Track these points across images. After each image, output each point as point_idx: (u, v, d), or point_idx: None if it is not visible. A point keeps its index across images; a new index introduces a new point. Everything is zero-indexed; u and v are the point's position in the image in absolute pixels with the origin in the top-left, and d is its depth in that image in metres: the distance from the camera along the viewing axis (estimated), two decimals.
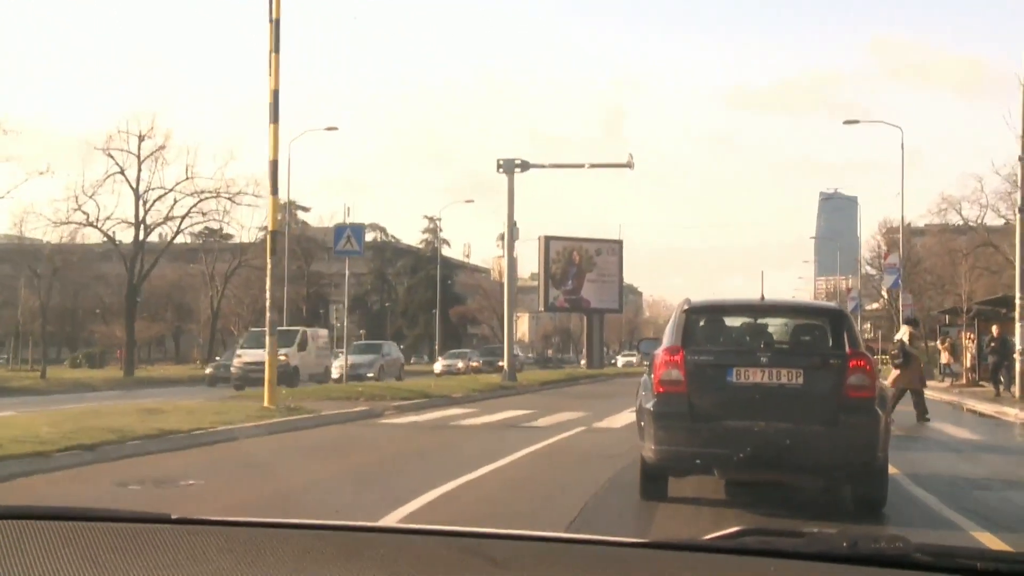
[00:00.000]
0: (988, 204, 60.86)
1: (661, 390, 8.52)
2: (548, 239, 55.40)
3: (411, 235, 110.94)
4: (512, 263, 33.55)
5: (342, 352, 40.51)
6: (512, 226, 32.96)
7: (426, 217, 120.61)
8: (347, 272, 29.01)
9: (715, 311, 9.86)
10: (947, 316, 51.13)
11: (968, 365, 38.15)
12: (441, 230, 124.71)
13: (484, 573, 1.68)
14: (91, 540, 1.77)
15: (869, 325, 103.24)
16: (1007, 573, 1.60)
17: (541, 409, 22.04)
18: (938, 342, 46.51)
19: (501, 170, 32.85)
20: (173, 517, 1.94)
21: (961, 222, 63.09)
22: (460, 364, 51.64)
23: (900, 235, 50.53)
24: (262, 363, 29.76)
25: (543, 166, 32.89)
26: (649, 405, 8.60)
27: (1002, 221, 60.76)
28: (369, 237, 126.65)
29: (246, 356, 35.42)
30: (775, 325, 10.81)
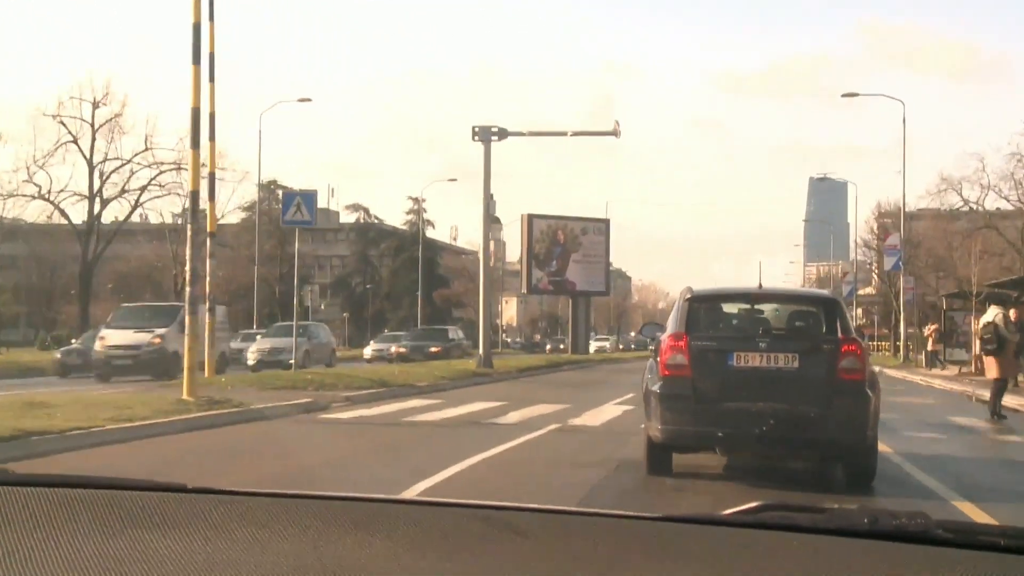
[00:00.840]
0: (990, 185, 58.50)
1: (667, 373, 9.06)
2: (531, 217, 52.72)
3: (396, 216, 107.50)
4: (488, 238, 30.98)
5: (261, 335, 37.74)
6: (489, 199, 30.36)
7: (410, 198, 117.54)
8: (296, 246, 25.95)
9: (716, 299, 10.53)
10: (947, 300, 49.00)
11: (977, 352, 35.66)
12: (425, 211, 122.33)
13: (506, 543, 1.66)
14: (105, 508, 1.74)
15: (860, 311, 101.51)
16: None
17: (514, 401, 19.57)
18: (927, 328, 44.15)
19: (477, 138, 30.25)
20: (190, 487, 1.90)
21: (962, 203, 60.74)
22: (393, 349, 46.99)
23: (901, 214, 47.99)
24: (132, 347, 26.73)
25: (522, 134, 30.26)
26: (655, 387, 9.16)
27: (1003, 203, 58.31)
28: (352, 218, 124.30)
29: (111, 338, 28.18)
30: (771, 312, 11.18)
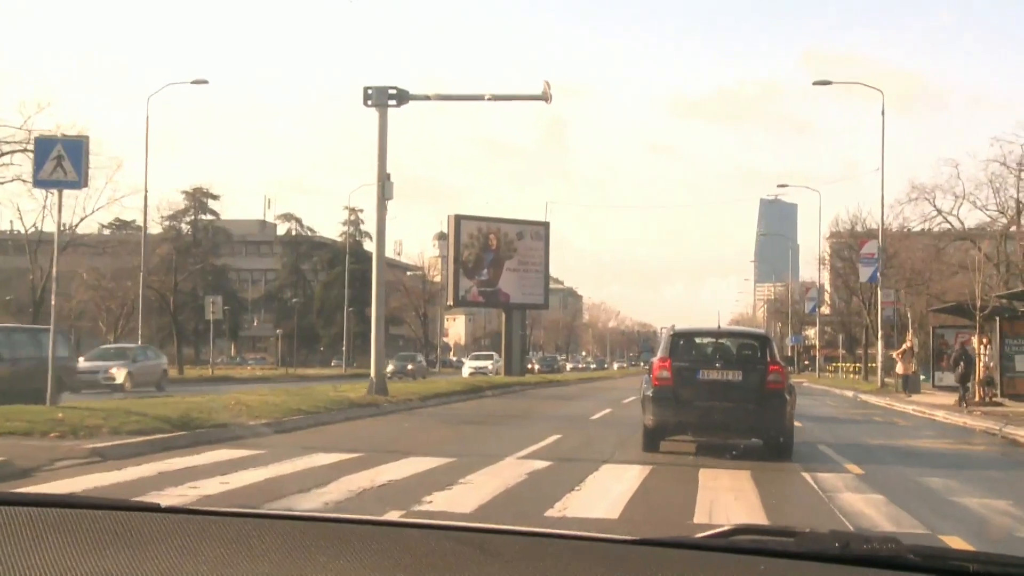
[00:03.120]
0: (965, 194, 52.98)
1: (656, 383, 13.96)
2: (459, 218, 46.00)
3: (334, 229, 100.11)
4: (382, 228, 24.39)
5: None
6: (384, 180, 23.82)
7: (347, 208, 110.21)
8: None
9: (689, 334, 15.20)
10: (934, 316, 43.39)
11: (980, 377, 29.69)
12: (363, 222, 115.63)
13: (476, 563, 1.66)
14: (77, 528, 1.73)
15: (812, 332, 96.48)
16: None
17: (375, 451, 13.30)
18: (904, 345, 38.28)
19: (370, 103, 23.77)
20: (163, 506, 1.90)
21: (935, 213, 55.19)
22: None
23: (880, 217, 42.12)
24: None
25: (427, 97, 23.77)
26: (649, 392, 14.04)
27: (979, 214, 52.70)
28: (283, 229, 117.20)
29: None
30: (726, 341, 15.67)
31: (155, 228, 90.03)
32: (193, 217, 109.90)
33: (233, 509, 1.90)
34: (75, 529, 1.73)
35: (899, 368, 36.83)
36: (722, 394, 13.72)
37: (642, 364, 63.16)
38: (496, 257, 46.23)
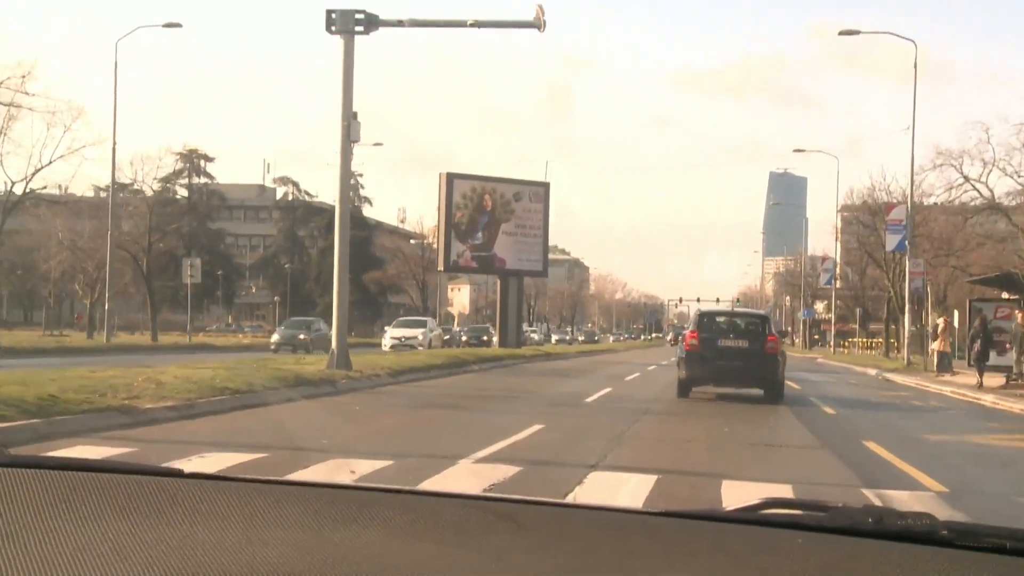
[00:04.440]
0: (995, 160, 49.35)
1: (688, 348, 19.08)
2: (451, 176, 42.24)
3: (332, 193, 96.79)
4: (347, 172, 21.00)
5: None
6: (350, 118, 20.40)
7: None
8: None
9: (712, 314, 21.84)
10: (973, 287, 40.06)
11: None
12: (363, 187, 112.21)
13: (506, 535, 1.64)
14: (103, 491, 1.73)
15: (822, 306, 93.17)
16: None
17: (295, 447, 10.39)
18: (939, 321, 34.87)
19: (334, 29, 20.33)
20: (186, 472, 1.91)
21: (962, 180, 51.58)
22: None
23: (910, 180, 38.54)
24: None
25: (400, 23, 20.26)
26: (683, 355, 19.18)
27: (1009, 181, 48.92)
28: (280, 193, 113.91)
29: None
30: (737, 319, 21.67)
31: (148, 190, 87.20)
32: (187, 180, 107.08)
33: (259, 476, 1.87)
34: (99, 493, 1.72)
35: (936, 344, 33.43)
36: (734, 356, 19.16)
37: (670, 342, 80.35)
38: (491, 219, 42.61)
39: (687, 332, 20.06)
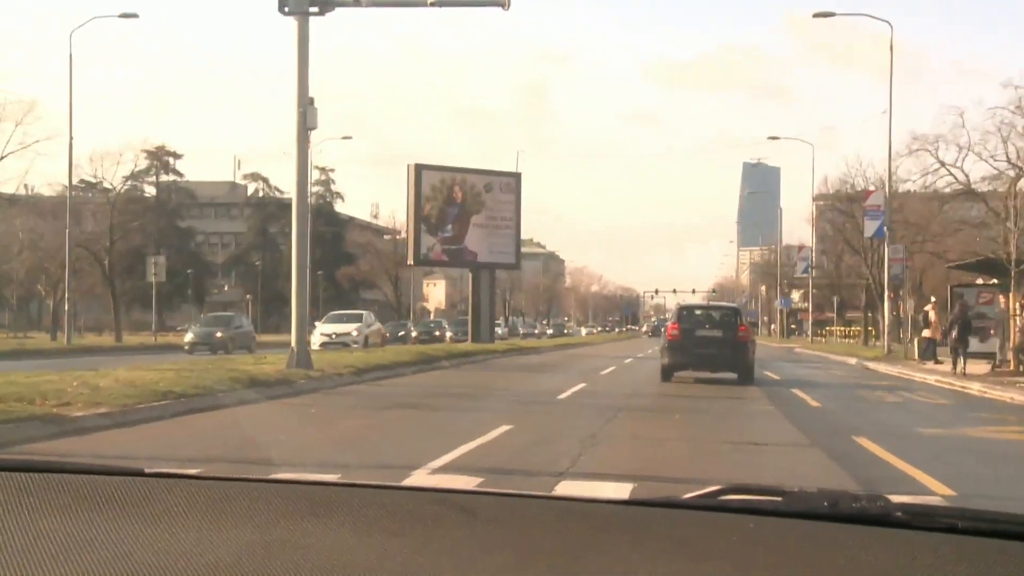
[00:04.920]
0: (970, 144, 48.72)
1: (670, 338, 21.75)
2: (419, 168, 41.06)
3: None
4: (304, 162, 19.89)
5: None
6: (306, 105, 19.35)
7: (317, 168, 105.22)
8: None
9: (690, 307, 25.17)
10: (951, 273, 39.32)
11: (1016, 343, 25.58)
12: (334, 182, 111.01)
13: (463, 526, 1.64)
14: (60, 491, 1.72)
15: (798, 295, 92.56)
16: (987, 532, 1.59)
17: (229, 459, 9.24)
18: (930, 308, 34.14)
19: (287, 9, 19.26)
20: (147, 471, 1.89)
21: (937, 166, 50.96)
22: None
23: (888, 165, 37.82)
24: None
25: (356, 3, 19.17)
26: (666, 344, 22.00)
27: (984, 166, 48.25)
28: (251, 190, 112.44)
29: None
30: (712, 311, 24.66)
31: (112, 188, 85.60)
32: (155, 177, 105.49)
33: (216, 474, 1.86)
34: (58, 492, 1.71)
35: (928, 332, 32.66)
36: (710, 344, 21.61)
37: (648, 333, 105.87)
38: (461, 211, 41.52)
39: (669, 324, 23.64)
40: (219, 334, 39.74)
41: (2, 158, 39.72)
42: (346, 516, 1.65)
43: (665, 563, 1.51)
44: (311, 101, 19.42)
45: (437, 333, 56.12)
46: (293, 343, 19.51)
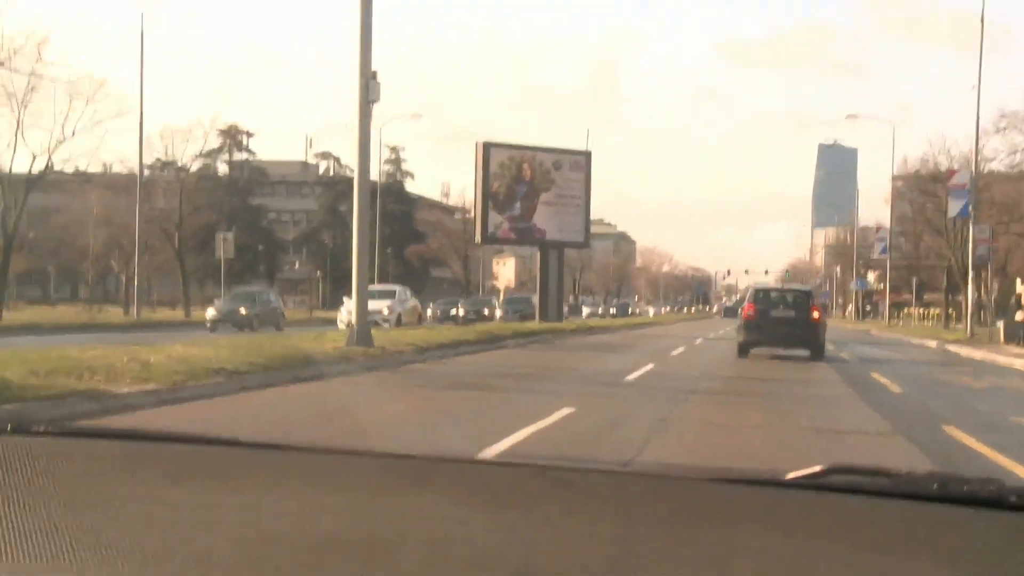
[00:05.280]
0: None
1: (746, 317, 23.74)
2: (488, 146, 40.39)
3: (375, 167, 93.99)
4: (366, 136, 19.35)
5: None
6: (369, 78, 18.81)
7: (388, 147, 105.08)
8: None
9: (765, 290, 26.39)
10: None
11: None
12: (405, 160, 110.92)
13: (561, 500, 1.62)
14: (159, 462, 1.74)
15: (874, 276, 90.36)
16: None
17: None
18: None
19: None
20: (244, 440, 1.92)
21: None
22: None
23: (975, 143, 36.31)
24: None
25: None
26: (742, 323, 23.97)
27: None
28: (322, 168, 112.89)
29: None
30: (786, 293, 25.60)
31: (183, 165, 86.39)
32: (228, 156, 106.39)
33: (315, 444, 1.86)
34: (155, 462, 1.73)
35: (1021, 315, 31.45)
36: (784, 324, 23.49)
37: (721, 314, 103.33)
38: (530, 189, 40.79)
39: (745, 305, 25.29)
40: (243, 310, 37.39)
41: (73, 135, 39.64)
42: (446, 489, 1.64)
43: (771, 542, 1.46)
44: (374, 74, 18.87)
45: (486, 312, 53.27)
46: (353, 320, 19.05)
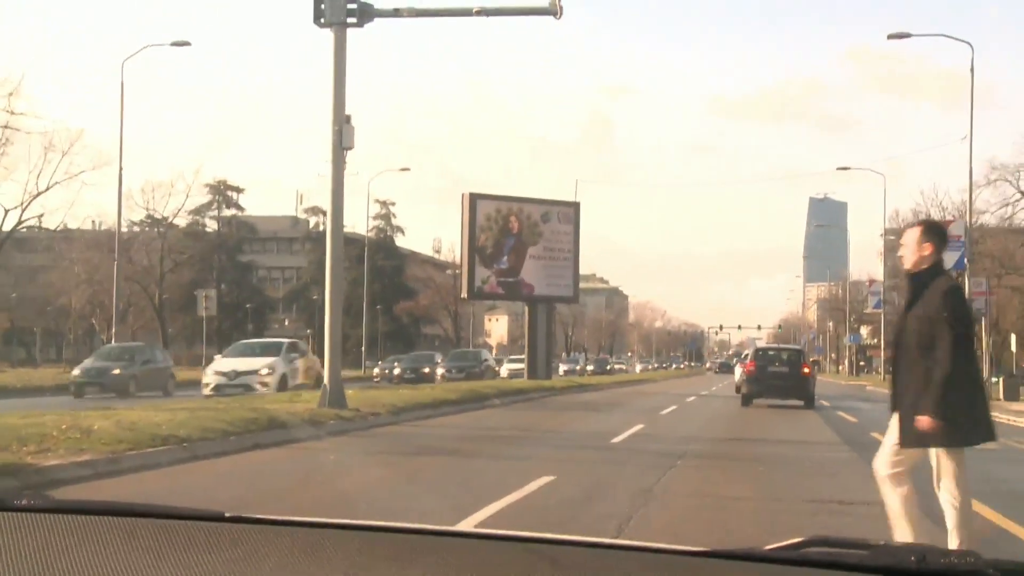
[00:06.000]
0: None
1: (748, 373, 28.75)
2: (474, 197, 39.62)
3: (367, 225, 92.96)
4: (339, 184, 18.48)
5: None
6: (343, 123, 18.01)
7: (378, 201, 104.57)
8: None
9: (764, 349, 33.59)
10: None
11: None
12: (395, 216, 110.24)
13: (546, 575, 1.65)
14: (144, 536, 1.73)
15: (867, 331, 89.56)
16: None
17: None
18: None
19: (323, 20, 17.95)
20: (227, 515, 1.88)
21: (1018, 196, 48.55)
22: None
23: (969, 194, 35.63)
24: None
25: (396, 13, 17.84)
26: (745, 377, 29.19)
27: None
28: (312, 223, 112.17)
29: None
30: (782, 352, 30.67)
31: (180, 222, 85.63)
32: (217, 212, 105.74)
33: (298, 519, 1.84)
34: (140, 537, 1.72)
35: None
36: (779, 377, 27.88)
37: (714, 370, 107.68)
38: (518, 242, 39.98)
39: (747, 360, 31.60)
40: (117, 371, 30.40)
41: (48, 188, 38.85)
42: (430, 564, 1.61)
43: None
44: (348, 118, 18.07)
45: (426, 370, 45.18)
46: (326, 380, 18.05)
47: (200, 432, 12.51)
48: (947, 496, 6.08)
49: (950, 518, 6.09)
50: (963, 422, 5.97)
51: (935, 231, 6.45)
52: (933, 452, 6.16)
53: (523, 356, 67.09)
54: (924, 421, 5.96)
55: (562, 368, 76.70)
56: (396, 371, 47.58)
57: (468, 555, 1.69)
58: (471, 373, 43.00)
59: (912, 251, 6.25)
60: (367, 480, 10.62)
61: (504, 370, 55.25)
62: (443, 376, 43.25)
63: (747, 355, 39.08)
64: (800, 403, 27.20)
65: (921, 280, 6.27)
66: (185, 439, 12.00)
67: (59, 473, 9.52)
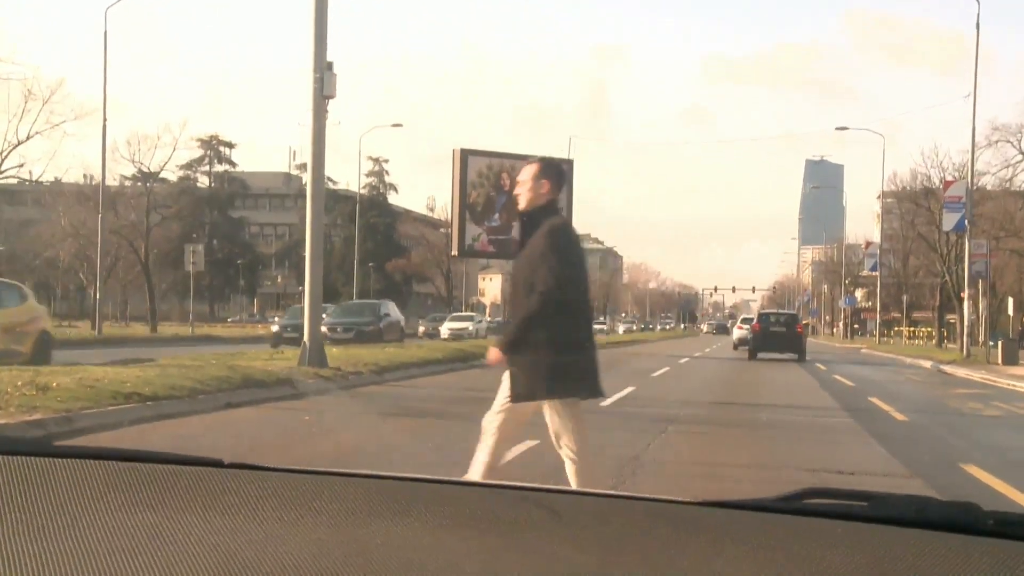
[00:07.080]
0: None
1: (754, 331, 37.97)
2: (465, 153, 38.80)
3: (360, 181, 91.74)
4: (320, 133, 17.70)
5: None
6: (324, 70, 17.24)
7: (370, 158, 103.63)
8: None
9: (766, 313, 41.68)
10: None
11: None
12: (388, 173, 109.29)
13: (543, 525, 1.62)
14: (142, 481, 1.73)
15: (861, 294, 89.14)
16: None
17: None
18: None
19: None
20: (226, 462, 1.87)
21: (1020, 158, 47.83)
22: None
23: (971, 155, 34.95)
24: None
25: None
26: (751, 336, 38.63)
27: None
28: (305, 180, 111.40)
29: None
30: (780, 315, 40.85)
31: (172, 177, 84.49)
32: (208, 167, 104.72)
33: (297, 467, 1.83)
34: (138, 483, 1.71)
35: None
36: (778, 335, 36.17)
37: (712, 331, 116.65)
38: (509, 200, 39.09)
39: (754, 321, 40.30)
40: (369, 327, 32.07)
41: (29, 137, 37.96)
42: (427, 513, 1.62)
43: (747, 566, 1.47)
44: (329, 65, 17.31)
45: (369, 328, 35.60)
46: (306, 337, 17.40)
47: (167, 390, 11.88)
48: (566, 451, 5.85)
49: (570, 470, 5.85)
50: (568, 373, 5.76)
51: (553, 169, 6.05)
52: (547, 407, 5.84)
53: (469, 314, 66.34)
54: (492, 353, 5.88)
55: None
56: (275, 329, 38.58)
57: (468, 504, 1.67)
58: (361, 333, 34.27)
59: (528, 188, 5.82)
60: (338, 444, 9.99)
61: (444, 330, 53.10)
62: (326, 335, 29.11)
63: (744, 317, 54.57)
64: (795, 356, 35.69)
65: (533, 220, 5.87)
66: (150, 397, 11.39)
67: (4, 432, 8.89)
